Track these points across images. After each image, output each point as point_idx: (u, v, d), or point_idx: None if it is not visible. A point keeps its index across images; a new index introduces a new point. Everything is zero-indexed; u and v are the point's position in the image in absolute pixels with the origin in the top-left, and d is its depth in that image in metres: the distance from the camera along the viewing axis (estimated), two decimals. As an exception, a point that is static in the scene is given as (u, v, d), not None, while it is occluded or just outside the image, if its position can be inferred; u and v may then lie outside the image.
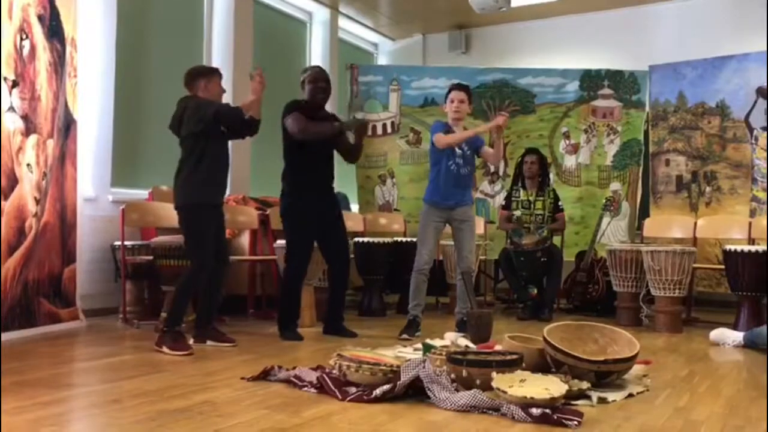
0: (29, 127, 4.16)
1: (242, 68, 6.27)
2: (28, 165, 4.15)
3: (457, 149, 4.50)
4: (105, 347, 3.95)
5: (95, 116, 5.11)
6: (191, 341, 3.89)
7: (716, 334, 4.38)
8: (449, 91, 4.55)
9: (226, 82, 6.13)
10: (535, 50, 7.67)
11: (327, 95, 4.37)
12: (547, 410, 2.43)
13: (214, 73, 4.03)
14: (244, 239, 5.41)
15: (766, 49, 5.70)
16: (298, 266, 4.33)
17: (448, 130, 4.53)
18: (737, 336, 4.29)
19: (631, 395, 2.86)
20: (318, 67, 4.53)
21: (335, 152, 4.46)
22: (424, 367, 2.75)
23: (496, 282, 6.85)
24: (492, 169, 6.87)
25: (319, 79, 4.32)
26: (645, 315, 5.23)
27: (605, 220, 6.18)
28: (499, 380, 2.63)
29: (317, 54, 7.54)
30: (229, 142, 4.16)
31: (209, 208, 3.91)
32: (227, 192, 5.87)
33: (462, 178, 4.53)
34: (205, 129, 3.79)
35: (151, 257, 4.77)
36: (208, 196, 3.89)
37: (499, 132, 4.44)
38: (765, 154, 5.93)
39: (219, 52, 6.30)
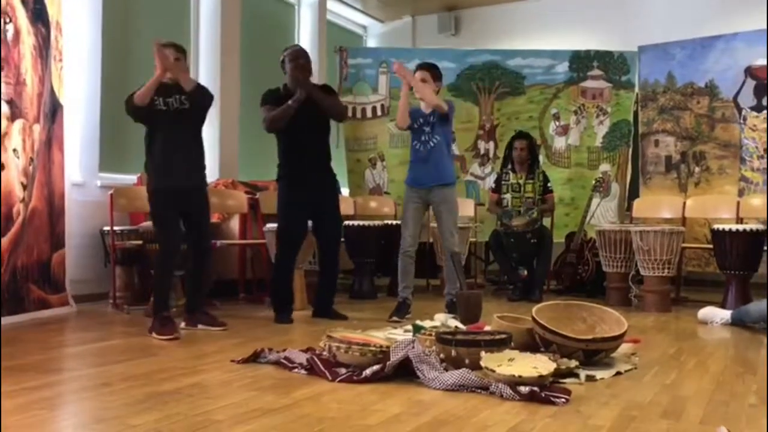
0: (15, 112, 4.12)
1: (230, 51, 6.23)
2: (15, 150, 4.12)
3: (424, 127, 4.51)
4: (95, 332, 3.94)
5: (82, 101, 5.07)
6: (182, 325, 3.89)
7: (704, 312, 4.42)
8: (414, 72, 4.53)
9: (214, 66, 6.17)
10: (524, 32, 7.64)
11: (308, 73, 4.33)
12: (535, 388, 2.45)
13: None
14: (234, 223, 5.40)
15: (766, 28, 5.68)
16: (288, 248, 4.31)
17: (415, 111, 4.56)
18: (725, 314, 4.32)
19: (619, 373, 2.88)
20: (297, 45, 4.50)
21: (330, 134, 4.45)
22: (413, 348, 2.77)
23: (487, 264, 6.87)
24: (482, 150, 6.87)
25: (299, 56, 4.29)
26: (634, 295, 5.26)
27: (595, 201, 6.19)
28: (487, 359, 2.65)
29: (306, 37, 7.49)
30: (207, 119, 4.08)
31: (166, 194, 3.88)
32: (216, 175, 5.93)
33: (431, 152, 4.49)
34: (128, 112, 3.84)
35: (140, 242, 4.76)
36: (161, 183, 3.88)
37: (415, 85, 4.42)
38: (753, 134, 5.95)
39: (206, 35, 6.24)
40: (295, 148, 4.28)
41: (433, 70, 4.55)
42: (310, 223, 4.40)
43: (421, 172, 4.52)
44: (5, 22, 4.10)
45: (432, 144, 4.51)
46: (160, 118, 3.86)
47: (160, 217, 3.91)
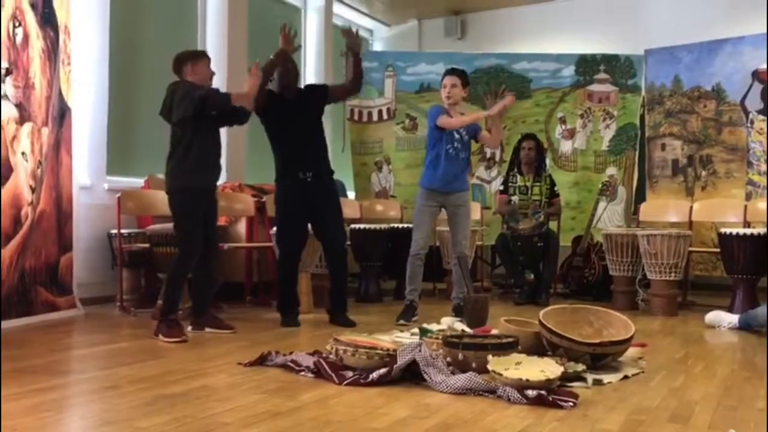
0: (23, 115, 4.15)
1: (236, 55, 6.25)
2: (23, 153, 4.14)
3: (455, 133, 4.50)
4: (102, 335, 3.96)
5: (90, 104, 5.09)
6: (189, 328, 3.90)
7: (712, 316, 4.40)
8: (443, 77, 4.56)
9: (220, 70, 6.17)
10: (530, 35, 7.65)
11: (296, 75, 4.34)
12: (543, 392, 2.45)
13: (201, 57, 4.01)
14: (241, 226, 5.41)
15: (766, 32, 5.67)
16: (288, 250, 4.29)
17: (446, 114, 4.53)
18: (732, 318, 4.31)
19: (626, 377, 2.88)
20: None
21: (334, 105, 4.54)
22: (420, 351, 2.77)
23: (493, 267, 6.86)
24: (488, 154, 6.87)
25: (286, 60, 4.27)
26: (641, 299, 5.25)
27: (601, 204, 6.19)
28: (494, 363, 2.65)
29: (312, 40, 7.51)
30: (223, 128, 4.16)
31: (200, 193, 3.90)
32: (223, 179, 5.94)
33: (459, 162, 4.53)
34: (193, 113, 3.77)
35: (147, 245, 4.78)
36: (198, 181, 3.88)
37: (500, 115, 4.44)
38: (760, 137, 5.93)
39: (213, 40, 6.27)
40: (290, 149, 4.25)
41: (462, 77, 4.56)
42: (310, 226, 4.37)
43: (447, 177, 4.47)
44: (15, 26, 4.12)
45: (465, 154, 4.55)
46: (204, 124, 3.89)
47: (189, 217, 3.85)
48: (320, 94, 4.42)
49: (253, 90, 3.87)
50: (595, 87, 6.80)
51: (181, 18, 6.16)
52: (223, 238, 5.20)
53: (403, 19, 8.43)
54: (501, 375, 2.56)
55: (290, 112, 4.23)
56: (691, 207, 5.98)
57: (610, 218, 6.55)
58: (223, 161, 5.96)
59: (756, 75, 5.98)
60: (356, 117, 6.92)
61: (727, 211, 5.83)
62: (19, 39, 4.14)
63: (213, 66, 6.11)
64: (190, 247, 3.82)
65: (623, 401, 2.52)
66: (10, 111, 4.05)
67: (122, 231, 4.81)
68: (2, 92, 3.99)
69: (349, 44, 4.27)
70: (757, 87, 5.97)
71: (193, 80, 3.87)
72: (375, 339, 3.08)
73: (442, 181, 4.49)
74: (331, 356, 2.91)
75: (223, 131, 5.97)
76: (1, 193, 3.95)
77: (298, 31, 7.42)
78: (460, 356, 2.79)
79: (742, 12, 6.61)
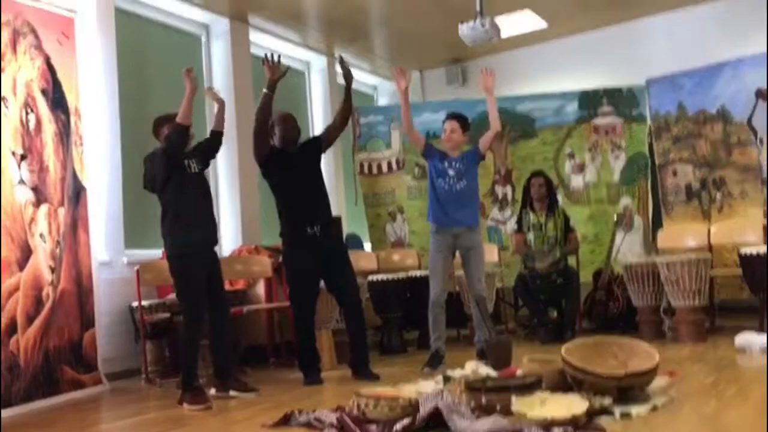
0: (39, 197, 4.25)
1: (244, 123, 6.36)
2: (41, 235, 4.23)
3: (449, 170, 4.56)
4: (129, 408, 3.96)
5: (104, 181, 5.20)
6: (213, 392, 3.89)
7: (741, 339, 4.32)
8: (444, 121, 4.64)
9: (229, 133, 6.30)
10: (531, 76, 7.73)
11: (298, 132, 4.44)
12: (569, 428, 2.41)
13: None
14: (260, 288, 5.44)
15: (766, 51, 5.70)
16: (302, 307, 4.30)
17: (441, 154, 4.63)
18: (763, 339, 4.22)
19: (655, 407, 2.83)
20: (282, 111, 4.54)
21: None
22: (442, 398, 2.74)
23: (517, 309, 6.80)
24: (500, 195, 6.89)
25: (287, 119, 4.39)
26: (667, 327, 5.16)
27: (619, 235, 6.15)
28: (519, 403, 2.62)
29: (318, 101, 7.66)
30: (228, 186, 4.24)
31: (198, 254, 3.93)
32: (239, 242, 6.02)
33: (459, 194, 4.54)
34: (166, 172, 3.87)
35: (168, 314, 4.81)
36: (194, 241, 3.93)
37: (490, 93, 4.61)
38: (771, 154, 5.90)
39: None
40: (292, 205, 4.31)
41: (462, 121, 4.63)
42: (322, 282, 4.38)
43: (448, 210, 4.52)
44: (27, 113, 4.26)
45: (463, 184, 4.56)
46: (189, 179, 3.97)
47: (190, 281, 3.88)
48: (317, 145, 4.52)
49: (188, 92, 3.92)
50: (600, 120, 6.84)
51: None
52: (242, 301, 5.25)
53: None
54: (526, 416, 2.53)
55: (292, 167, 4.31)
56: (709, 230, 5.92)
57: (629, 249, 6.48)
58: (237, 224, 6.15)
59: (759, 94, 5.98)
60: (366, 170, 7.00)
61: (746, 231, 5.76)
62: (32, 125, 4.28)
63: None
64: (195, 312, 3.86)
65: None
66: (26, 195, 4.15)
67: (143, 303, 4.86)
68: (19, 177, 4.10)
69: (343, 73, 4.41)
70: (762, 105, 5.97)
71: None
72: (397, 390, 3.06)
73: (445, 213, 4.53)
74: (353, 411, 2.89)
75: (236, 195, 6.15)
76: (23, 276, 4.03)
77: (302, 92, 7.63)
78: (484, 400, 2.75)
79: (738, 34, 6.65)
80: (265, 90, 4.23)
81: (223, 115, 4.26)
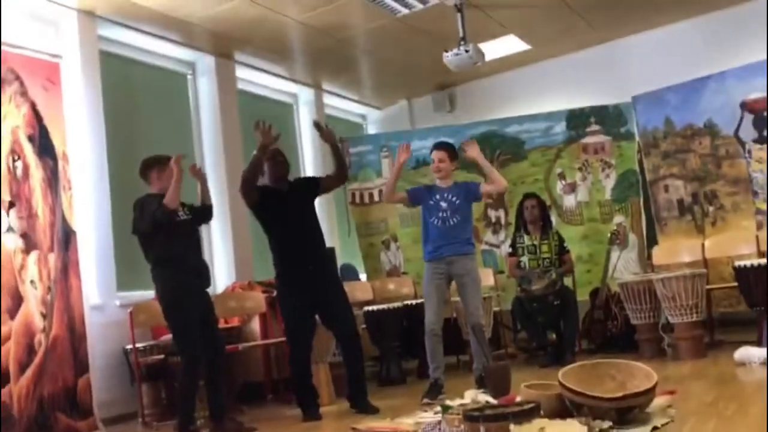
0: (29, 244, 4.23)
1: (233, 158, 6.39)
2: (32, 281, 4.21)
3: (441, 203, 4.53)
4: (125, 454, 3.91)
5: (94, 224, 5.19)
6: (209, 435, 3.84)
7: (741, 353, 4.28)
8: (431, 151, 4.64)
9: (218, 170, 6.32)
10: (518, 99, 7.77)
11: (287, 168, 4.45)
12: (568, 456, 2.37)
13: (166, 163, 4.03)
14: (255, 324, 5.40)
15: (766, 59, 5.72)
16: (298, 343, 4.26)
17: (429, 191, 4.63)
18: (762, 353, 4.18)
19: (655, 428, 2.79)
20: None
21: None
22: (440, 430, 2.70)
23: (516, 332, 6.76)
24: (493, 218, 6.89)
25: (276, 154, 4.38)
26: (667, 344, 5.13)
27: (614, 254, 6.13)
28: (517, 431, 2.58)
29: (307, 133, 7.68)
30: (219, 222, 4.27)
31: (189, 298, 3.92)
32: (232, 278, 5.99)
33: (452, 229, 4.51)
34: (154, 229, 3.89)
35: (163, 356, 4.76)
36: (185, 288, 3.92)
37: (480, 157, 4.53)
38: (760, 165, 5.91)
39: (209, 147, 6.44)
40: (287, 241, 4.29)
41: (449, 150, 4.63)
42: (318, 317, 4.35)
43: (441, 246, 4.49)
44: (14, 160, 4.26)
45: (456, 220, 4.52)
46: (178, 226, 3.99)
47: (184, 324, 3.87)
48: (313, 186, 4.52)
49: (175, 179, 3.87)
50: (588, 139, 6.85)
51: (176, 127, 6.35)
52: (237, 338, 5.20)
53: (392, 100, 8.64)
54: (524, 444, 2.49)
55: (284, 204, 4.30)
56: (703, 244, 5.92)
57: (625, 266, 6.47)
58: (230, 261, 6.13)
59: (745, 106, 6.01)
60: (357, 200, 6.99)
61: (739, 243, 5.76)
62: (19, 172, 4.27)
63: (211, 169, 6.37)
64: (192, 354, 3.82)
65: (654, 455, 2.43)
66: (16, 242, 4.14)
67: (137, 345, 4.82)
68: (7, 225, 4.09)
69: (321, 137, 4.40)
70: (749, 117, 5.99)
71: (159, 188, 3.94)
72: (395, 423, 3.02)
73: (438, 249, 4.50)
74: (351, 446, 2.85)
75: (227, 232, 6.14)
76: (14, 324, 3.99)
77: (290, 124, 7.65)
78: (482, 429, 2.71)
79: (720, 47, 6.71)
80: (255, 152, 4.23)
81: (207, 190, 4.26)
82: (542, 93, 7.68)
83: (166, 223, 3.88)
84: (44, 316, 4.26)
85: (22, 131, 4.35)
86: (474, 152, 4.55)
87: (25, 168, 4.33)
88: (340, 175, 4.51)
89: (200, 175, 4.27)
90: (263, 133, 4.18)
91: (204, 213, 4.23)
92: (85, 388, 4.50)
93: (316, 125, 4.45)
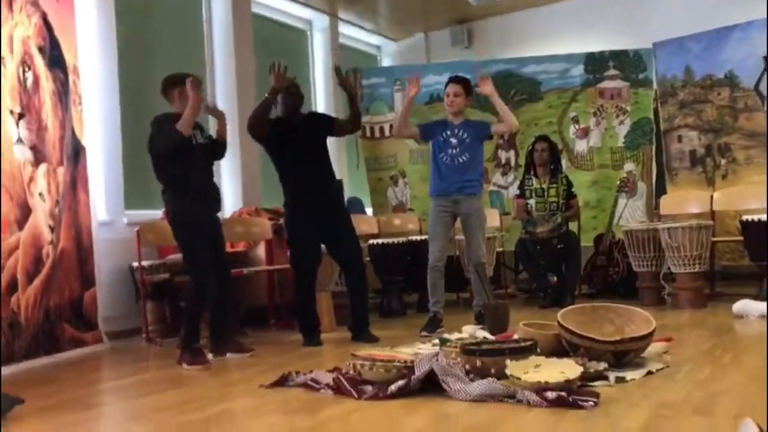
0: (38, 156, 4.23)
1: (245, 82, 6.32)
2: (41, 194, 4.22)
3: (451, 139, 4.50)
4: (129, 367, 4.00)
5: (103, 141, 5.18)
6: (210, 356, 3.91)
7: (739, 306, 4.32)
8: (446, 85, 4.57)
9: (230, 96, 6.27)
10: (537, 38, 7.62)
11: (301, 99, 4.38)
12: (563, 393, 2.42)
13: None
14: (260, 250, 5.44)
15: (766, 17, 5.59)
16: (303, 272, 4.30)
17: (441, 125, 4.58)
18: (761, 307, 4.22)
19: (650, 373, 2.83)
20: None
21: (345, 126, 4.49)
22: (437, 360, 2.75)
23: (517, 273, 6.81)
24: (503, 159, 6.85)
25: (289, 86, 4.30)
26: (667, 293, 5.17)
27: (621, 201, 6.12)
28: (513, 367, 2.63)
29: (320, 61, 7.57)
30: (228, 149, 4.24)
31: (200, 222, 3.92)
32: (239, 204, 6.01)
33: (461, 167, 4.49)
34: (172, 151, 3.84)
35: (168, 275, 4.82)
36: (197, 212, 3.91)
37: (493, 94, 4.46)
38: (779, 120, 5.82)
39: (221, 68, 6.35)
40: (293, 174, 4.29)
41: (465, 85, 4.55)
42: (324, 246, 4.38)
43: (448, 182, 4.49)
44: (25, 71, 4.22)
45: (465, 158, 4.49)
46: (196, 151, 3.94)
47: (194, 247, 3.88)
48: (327, 125, 4.48)
49: (191, 105, 3.77)
50: (605, 84, 6.75)
51: (188, 48, 6.25)
52: (243, 263, 5.25)
53: (409, 33, 8.47)
54: (519, 379, 2.54)
55: (296, 136, 4.26)
56: (712, 197, 5.89)
57: (632, 214, 6.47)
58: (238, 187, 6.14)
59: (768, 59, 5.88)
60: (368, 134, 6.95)
61: (749, 198, 5.72)
62: (30, 83, 4.23)
63: (222, 93, 6.31)
64: (202, 276, 3.84)
65: (647, 397, 2.47)
66: (25, 154, 4.13)
67: (143, 263, 4.87)
68: (17, 136, 4.08)
69: (339, 83, 4.34)
70: (772, 70, 5.88)
71: (180, 106, 3.87)
72: (394, 352, 3.07)
73: (446, 187, 4.49)
74: (349, 372, 2.91)
75: (236, 158, 6.12)
76: (22, 235, 4.03)
77: (304, 51, 7.54)
78: (479, 363, 2.76)
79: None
80: (267, 95, 4.16)
81: (225, 125, 4.14)
82: (561, 34, 7.53)
83: (182, 147, 3.86)
84: (52, 229, 4.29)
85: (33, 41, 4.29)
86: (488, 88, 4.48)
87: (36, 79, 4.28)
88: (354, 123, 4.47)
89: (217, 112, 4.20)
90: (277, 77, 4.12)
91: (218, 148, 4.16)
92: (91, 302, 4.58)
93: (337, 70, 4.38)
